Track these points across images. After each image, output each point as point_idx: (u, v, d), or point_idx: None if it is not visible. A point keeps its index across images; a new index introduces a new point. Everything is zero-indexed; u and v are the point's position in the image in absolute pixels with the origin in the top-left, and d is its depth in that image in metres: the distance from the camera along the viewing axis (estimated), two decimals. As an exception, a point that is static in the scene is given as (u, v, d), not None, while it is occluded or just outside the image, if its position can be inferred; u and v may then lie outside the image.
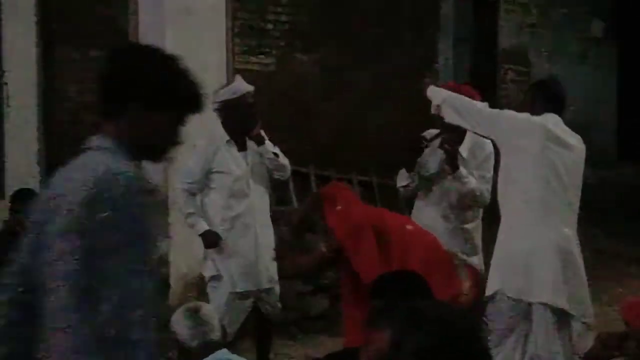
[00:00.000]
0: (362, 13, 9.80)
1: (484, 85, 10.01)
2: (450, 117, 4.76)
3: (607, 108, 12.57)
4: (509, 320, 4.38)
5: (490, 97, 10.16)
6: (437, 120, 5.13)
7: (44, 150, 8.06)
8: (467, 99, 4.87)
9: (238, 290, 5.33)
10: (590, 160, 11.25)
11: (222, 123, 5.46)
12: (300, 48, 9.51)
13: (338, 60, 9.61)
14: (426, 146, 5.28)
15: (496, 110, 4.87)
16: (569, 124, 5.04)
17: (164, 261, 6.47)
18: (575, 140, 4.69)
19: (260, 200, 5.51)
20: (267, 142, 5.48)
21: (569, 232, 4.52)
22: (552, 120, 4.58)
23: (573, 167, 4.62)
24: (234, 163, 5.42)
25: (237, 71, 6.99)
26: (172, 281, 6.51)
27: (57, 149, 7.86)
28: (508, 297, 4.34)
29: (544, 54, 12.01)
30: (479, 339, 1.89)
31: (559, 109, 4.70)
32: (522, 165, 4.49)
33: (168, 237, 6.60)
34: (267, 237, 5.47)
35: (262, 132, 5.47)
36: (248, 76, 8.15)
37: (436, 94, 4.86)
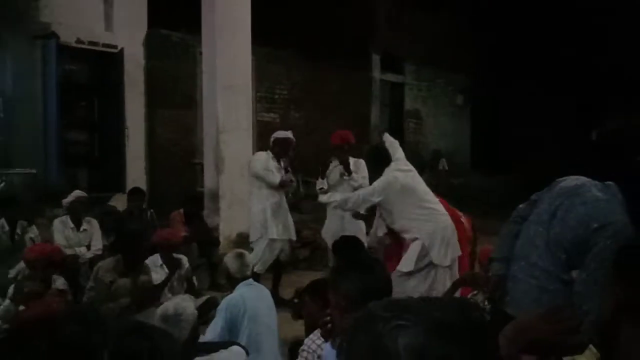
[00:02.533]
0: (328, 92, 10.53)
1: (395, 130, 11.13)
2: (348, 210, 4.96)
3: (464, 141, 14.09)
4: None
5: (399, 137, 11.75)
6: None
7: (148, 166, 8.58)
8: (351, 200, 4.64)
9: (275, 237, 5.72)
10: (450, 170, 11.62)
11: (271, 148, 5.82)
12: (293, 109, 10.26)
13: (313, 116, 10.24)
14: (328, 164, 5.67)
15: (369, 191, 4.57)
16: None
17: (216, 228, 6.91)
18: (408, 165, 4.63)
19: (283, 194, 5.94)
20: (288, 173, 5.81)
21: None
22: (393, 168, 4.50)
23: (419, 179, 4.62)
24: (276, 170, 5.77)
25: (258, 122, 7.77)
26: (221, 239, 6.83)
27: (154, 165, 8.60)
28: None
29: (431, 114, 12.98)
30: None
31: (388, 161, 4.56)
32: (403, 200, 4.38)
33: (219, 215, 6.99)
34: (289, 214, 5.95)
35: (288, 166, 5.85)
36: (263, 125, 9.08)
37: (331, 199, 4.84)
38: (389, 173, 4.47)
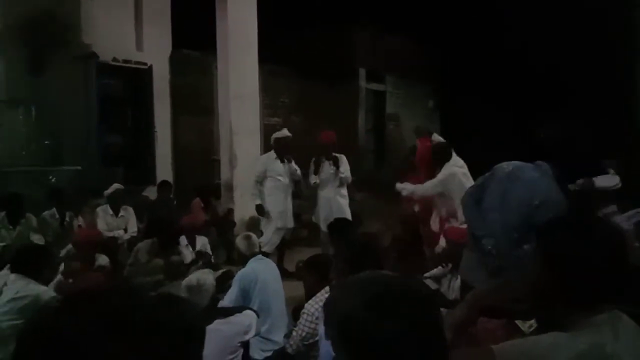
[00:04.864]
0: (322, 99, 10.13)
1: (378, 130, 11.16)
2: (416, 195, 5.01)
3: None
4: None
5: (382, 137, 10.97)
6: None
7: (173, 162, 8.32)
8: (420, 189, 4.79)
9: (279, 226, 5.83)
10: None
11: (274, 148, 5.80)
12: (293, 114, 10.07)
13: (309, 120, 9.89)
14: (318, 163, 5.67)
15: (434, 183, 4.69)
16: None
17: (232, 214, 6.82)
18: (461, 161, 4.79)
19: (288, 187, 5.89)
20: (292, 163, 5.80)
21: None
22: (451, 164, 4.64)
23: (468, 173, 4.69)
24: (278, 169, 5.76)
25: (265, 125, 7.49)
26: (237, 222, 6.79)
27: (179, 161, 8.35)
28: None
29: (407, 117, 12.36)
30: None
31: (449, 157, 4.75)
32: (458, 187, 4.41)
33: (233, 203, 6.91)
34: (291, 205, 5.93)
35: (291, 158, 5.83)
36: (269, 127, 8.65)
37: (404, 189, 4.97)
38: (448, 168, 4.59)
